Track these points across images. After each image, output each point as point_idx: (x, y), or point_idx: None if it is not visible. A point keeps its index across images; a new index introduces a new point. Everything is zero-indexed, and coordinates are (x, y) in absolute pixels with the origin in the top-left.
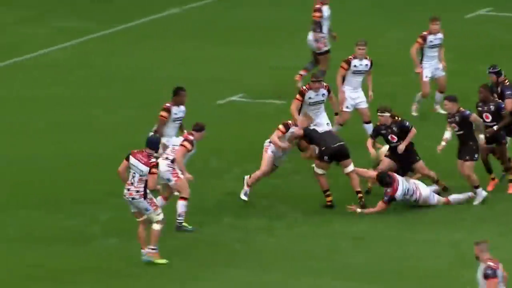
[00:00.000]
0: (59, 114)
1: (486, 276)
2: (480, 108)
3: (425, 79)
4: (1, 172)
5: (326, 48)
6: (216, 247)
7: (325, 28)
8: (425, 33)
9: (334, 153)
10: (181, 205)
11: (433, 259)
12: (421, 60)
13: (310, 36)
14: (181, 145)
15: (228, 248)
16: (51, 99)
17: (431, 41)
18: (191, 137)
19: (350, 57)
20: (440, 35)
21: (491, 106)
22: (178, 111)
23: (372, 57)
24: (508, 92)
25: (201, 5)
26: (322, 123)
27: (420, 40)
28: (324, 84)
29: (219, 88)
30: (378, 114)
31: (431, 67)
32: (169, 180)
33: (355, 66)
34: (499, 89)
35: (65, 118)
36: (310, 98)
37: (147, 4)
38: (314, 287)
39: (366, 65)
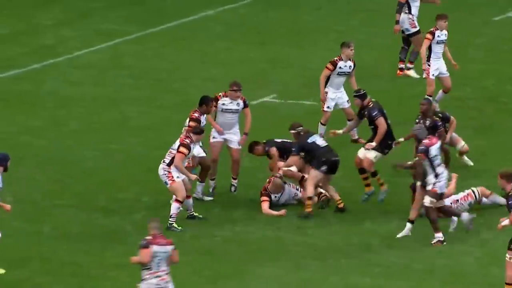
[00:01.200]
0: (94, 114)
1: (139, 246)
2: (417, 121)
3: (431, 77)
4: (36, 171)
5: (415, 29)
6: (248, 246)
7: (414, 10)
8: (432, 29)
9: (332, 165)
10: (174, 207)
11: (462, 257)
12: (429, 57)
13: (403, 18)
14: (178, 152)
15: (260, 247)
16: (86, 99)
17: (438, 36)
18: (187, 141)
19: (335, 58)
20: (445, 32)
21: (427, 122)
22: (204, 119)
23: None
24: (375, 113)
25: (234, 7)
26: (232, 140)
27: (429, 36)
28: (242, 96)
29: (251, 89)
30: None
31: (438, 65)
32: (166, 183)
33: (340, 67)
34: (365, 112)
35: (99, 118)
36: (223, 104)
37: (180, 7)
38: (344, 284)
39: (350, 66)
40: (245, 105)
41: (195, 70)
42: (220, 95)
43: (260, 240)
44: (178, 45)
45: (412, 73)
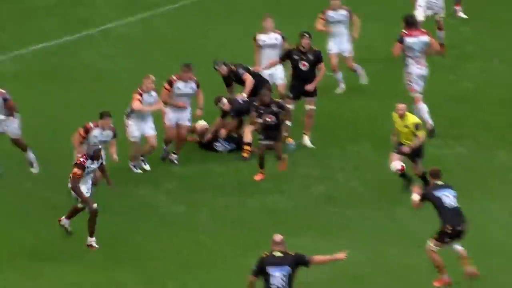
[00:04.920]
0: (127, 88)
1: None
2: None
3: None
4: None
5: None
6: None
7: None
8: None
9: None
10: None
11: None
12: None
13: None
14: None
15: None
16: (120, 72)
17: None
18: (90, 124)
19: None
20: None
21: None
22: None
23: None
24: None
25: None
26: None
27: None
28: (194, 77)
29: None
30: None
31: None
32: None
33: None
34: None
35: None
36: (178, 88)
37: None
38: None
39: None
40: (197, 86)
41: (230, 46)
42: (174, 78)
43: None
44: (212, 20)
45: None
